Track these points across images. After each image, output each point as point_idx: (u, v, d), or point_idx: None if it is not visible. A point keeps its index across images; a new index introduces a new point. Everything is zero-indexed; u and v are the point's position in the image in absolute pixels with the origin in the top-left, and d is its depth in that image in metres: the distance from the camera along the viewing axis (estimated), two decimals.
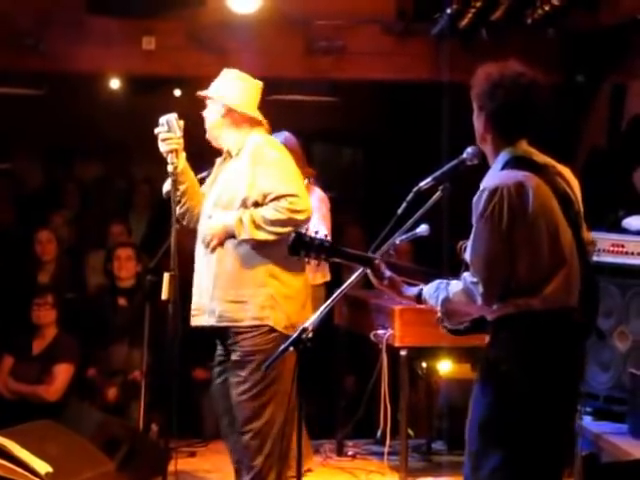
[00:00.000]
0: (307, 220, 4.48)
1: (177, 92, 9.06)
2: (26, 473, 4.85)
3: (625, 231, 5.41)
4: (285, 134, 5.77)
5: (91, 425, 5.53)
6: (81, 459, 5.13)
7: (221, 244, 4.52)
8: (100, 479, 5.09)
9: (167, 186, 4.72)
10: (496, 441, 3.24)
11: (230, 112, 4.61)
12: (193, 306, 4.63)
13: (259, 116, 4.66)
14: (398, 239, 3.63)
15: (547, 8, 6.44)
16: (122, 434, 5.53)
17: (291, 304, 4.55)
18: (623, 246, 5.28)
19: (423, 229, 3.80)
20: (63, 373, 6.46)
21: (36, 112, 9.16)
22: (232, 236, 4.49)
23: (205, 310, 4.57)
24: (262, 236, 4.45)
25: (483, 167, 3.44)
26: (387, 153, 9.84)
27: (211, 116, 4.65)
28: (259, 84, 4.71)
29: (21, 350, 6.59)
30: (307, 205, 4.49)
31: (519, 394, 3.23)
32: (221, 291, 4.52)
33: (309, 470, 5.83)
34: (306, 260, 3.53)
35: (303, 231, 3.57)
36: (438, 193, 3.55)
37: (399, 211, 3.58)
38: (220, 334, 4.62)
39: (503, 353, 3.26)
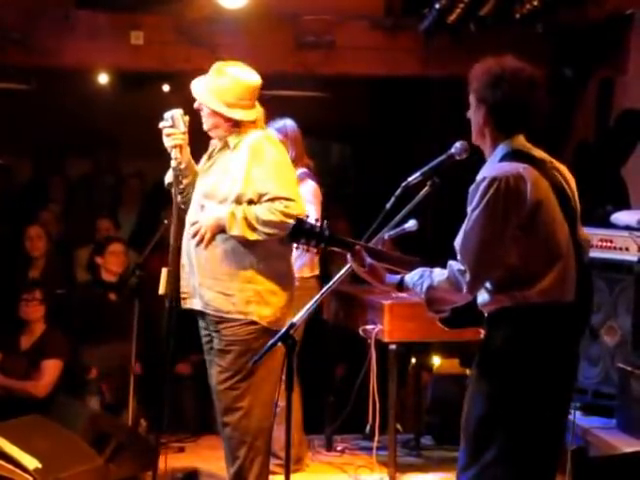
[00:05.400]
0: None
1: (165, 87, 9.04)
2: (14, 469, 4.84)
3: (613, 226, 5.43)
4: (287, 120, 5.78)
5: (80, 420, 5.52)
6: (70, 454, 5.12)
7: (214, 238, 4.52)
8: (89, 474, 5.08)
9: (169, 177, 4.72)
10: (493, 436, 3.24)
11: (228, 119, 4.54)
12: (182, 289, 4.63)
13: (251, 116, 4.57)
14: (386, 234, 3.63)
15: (535, 3, 6.44)
16: (111, 429, 5.52)
17: (277, 299, 4.57)
18: (611, 241, 5.29)
19: (411, 224, 3.81)
20: (51, 369, 6.44)
21: (23, 107, 9.13)
22: (223, 230, 4.49)
23: (194, 293, 4.59)
24: (252, 236, 4.45)
25: (470, 162, 3.44)
26: (376, 148, 9.83)
27: (209, 121, 4.59)
28: (251, 83, 4.58)
29: (9, 345, 6.57)
30: (301, 210, 4.48)
31: (516, 388, 3.23)
32: (209, 280, 4.53)
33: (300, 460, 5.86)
34: (304, 248, 3.53)
35: (304, 217, 3.57)
36: (426, 188, 3.55)
37: (387, 206, 3.58)
38: (204, 317, 4.64)
39: (499, 347, 3.26)
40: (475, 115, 3.35)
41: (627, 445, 4.74)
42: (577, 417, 5.21)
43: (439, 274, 3.27)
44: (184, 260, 4.63)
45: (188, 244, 4.61)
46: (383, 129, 9.73)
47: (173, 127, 4.59)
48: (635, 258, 5.16)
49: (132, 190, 8.93)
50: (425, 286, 3.29)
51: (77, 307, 7.06)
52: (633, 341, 5.13)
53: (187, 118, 4.62)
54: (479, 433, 3.27)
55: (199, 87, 4.59)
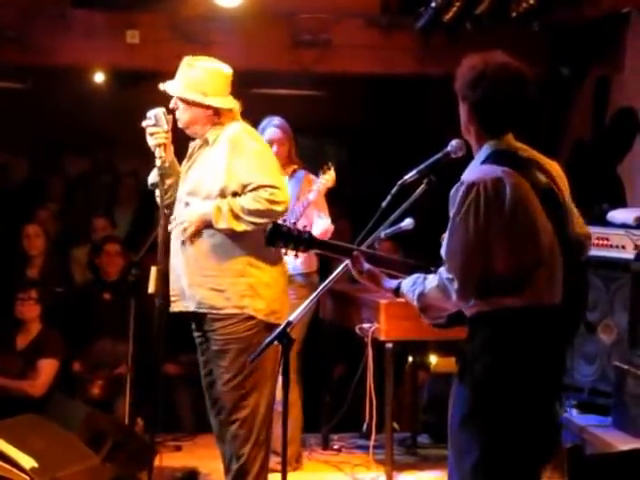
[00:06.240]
0: (284, 212, 4.46)
1: (161, 86, 9.02)
2: (11, 468, 4.83)
3: (610, 224, 5.43)
4: (279, 118, 5.78)
5: (76, 419, 5.52)
6: (66, 454, 5.11)
7: (198, 232, 4.50)
8: (85, 473, 5.07)
9: (153, 177, 4.72)
10: (475, 437, 3.19)
11: (207, 107, 4.55)
12: (172, 292, 4.61)
13: (229, 104, 4.58)
14: (383, 233, 3.63)
15: (531, 2, 6.44)
16: (107, 428, 5.51)
17: (271, 292, 4.55)
18: (608, 239, 5.30)
19: (407, 223, 3.81)
20: (48, 368, 6.44)
21: (19, 106, 9.12)
22: (210, 225, 4.48)
23: (183, 296, 4.57)
24: (240, 227, 4.44)
25: (467, 160, 3.43)
26: (372, 146, 9.83)
27: (186, 116, 4.59)
28: (224, 72, 4.59)
29: (5, 345, 6.57)
30: (286, 197, 4.49)
31: (495, 391, 3.17)
32: (199, 278, 4.51)
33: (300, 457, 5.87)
34: (283, 251, 3.52)
35: (280, 222, 3.56)
36: (422, 186, 3.55)
37: (383, 204, 3.57)
38: (197, 319, 4.62)
39: (479, 350, 3.20)
40: (461, 112, 3.33)
41: (623, 443, 4.75)
42: (573, 415, 5.22)
43: (430, 281, 3.23)
44: (172, 261, 4.62)
45: (174, 244, 4.60)
46: (379, 127, 9.73)
47: (156, 126, 4.59)
48: (631, 256, 5.17)
49: (128, 189, 8.93)
50: (417, 293, 3.26)
51: (73, 306, 7.07)
52: (629, 339, 5.14)
53: (170, 117, 4.61)
54: (463, 435, 3.22)
55: (172, 84, 4.61)
